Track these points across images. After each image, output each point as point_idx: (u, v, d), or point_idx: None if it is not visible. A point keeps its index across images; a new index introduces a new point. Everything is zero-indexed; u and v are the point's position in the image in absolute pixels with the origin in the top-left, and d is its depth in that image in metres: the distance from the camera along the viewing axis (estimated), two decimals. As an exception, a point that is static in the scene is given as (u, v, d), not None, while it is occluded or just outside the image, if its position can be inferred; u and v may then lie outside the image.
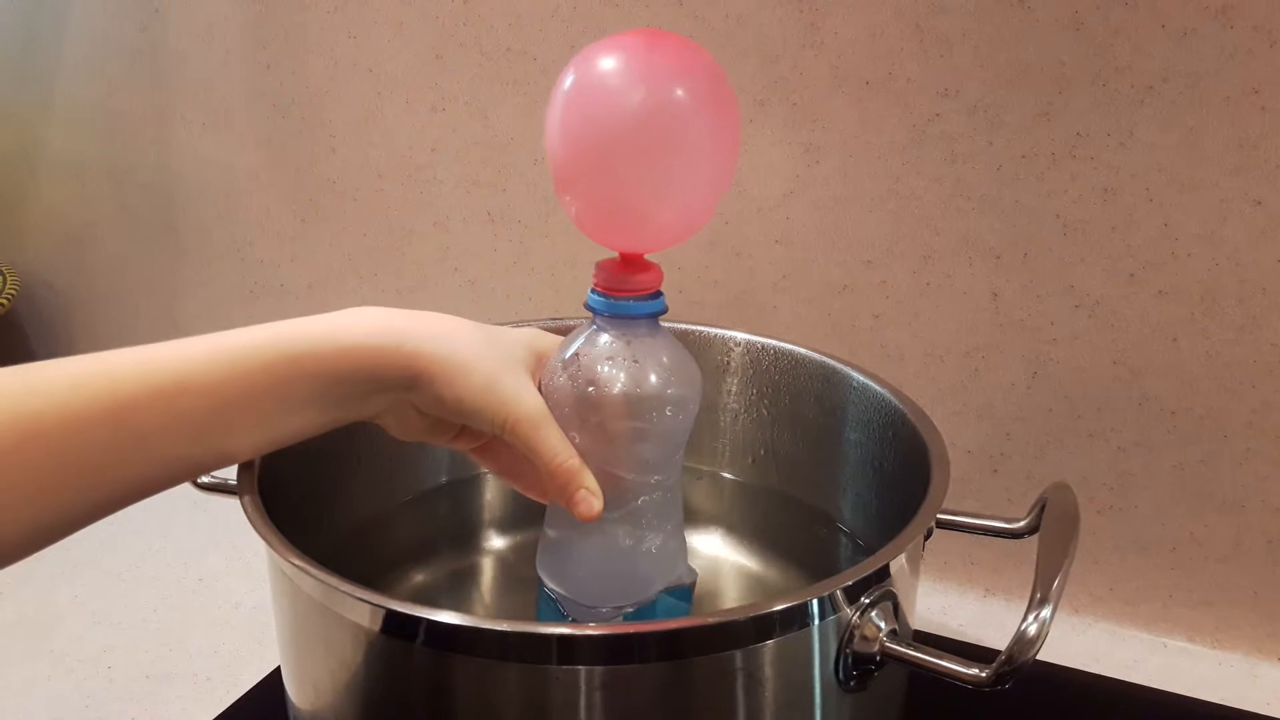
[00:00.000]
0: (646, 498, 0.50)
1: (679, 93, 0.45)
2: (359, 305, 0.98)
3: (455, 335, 0.50)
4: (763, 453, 0.72)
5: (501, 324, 0.73)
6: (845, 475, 0.67)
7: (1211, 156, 0.67)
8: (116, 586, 0.81)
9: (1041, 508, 0.56)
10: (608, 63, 0.45)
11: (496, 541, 0.68)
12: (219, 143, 1.01)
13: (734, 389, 0.73)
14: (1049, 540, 0.48)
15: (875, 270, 0.77)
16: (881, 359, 0.79)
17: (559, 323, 0.73)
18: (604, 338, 0.49)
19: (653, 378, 0.48)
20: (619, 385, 0.48)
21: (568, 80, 0.46)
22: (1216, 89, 0.66)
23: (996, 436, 0.78)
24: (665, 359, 0.49)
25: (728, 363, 0.73)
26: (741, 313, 0.83)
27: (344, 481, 0.64)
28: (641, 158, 0.45)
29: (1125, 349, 0.72)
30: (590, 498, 0.49)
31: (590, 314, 0.50)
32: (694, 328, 0.73)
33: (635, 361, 0.48)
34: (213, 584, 0.81)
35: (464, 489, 0.70)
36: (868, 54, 0.73)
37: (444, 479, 0.70)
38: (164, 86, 1.01)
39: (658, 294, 0.49)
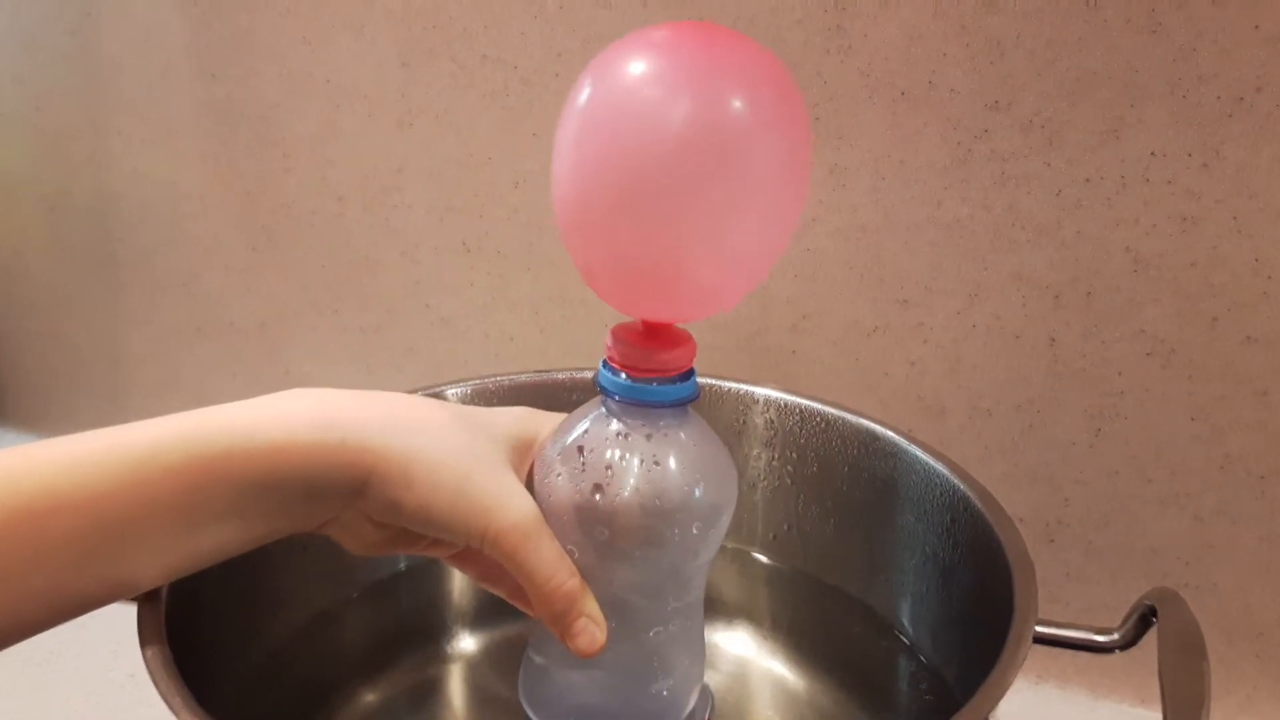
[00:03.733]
0: (661, 629, 0.39)
1: (736, 105, 0.34)
2: (318, 344, 0.89)
3: (415, 423, 0.39)
4: (786, 528, 0.62)
5: (482, 376, 0.63)
6: (890, 563, 0.56)
7: (1313, 180, 0.57)
8: (33, 680, 0.70)
9: (1140, 619, 0.46)
10: (637, 67, 0.34)
11: (467, 642, 0.57)
12: (161, 161, 0.90)
13: (750, 452, 0.62)
14: (1176, 683, 0.38)
15: (912, 310, 0.67)
16: (919, 412, 0.69)
17: (546, 376, 0.63)
18: (615, 426, 0.38)
19: (677, 484, 0.38)
20: (633, 493, 0.37)
21: (583, 93, 0.35)
22: (1321, 101, 0.56)
23: (1053, 502, 0.67)
24: (694, 459, 0.38)
25: (743, 423, 0.62)
26: (754, 358, 0.72)
27: (283, 572, 0.53)
28: (684, 195, 0.33)
29: (1206, 403, 0.62)
30: (591, 628, 0.38)
31: (600, 392, 0.39)
32: (700, 380, 0.62)
33: (656, 463, 0.38)
34: (145, 681, 0.70)
35: (426, 575, 0.59)
36: (904, 60, 0.63)
37: (402, 564, 0.59)
38: (98, 98, 0.90)
39: (689, 373, 0.38)
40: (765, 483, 0.62)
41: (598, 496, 0.38)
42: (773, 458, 0.62)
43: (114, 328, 0.98)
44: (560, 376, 0.63)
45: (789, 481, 0.61)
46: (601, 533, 0.38)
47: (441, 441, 0.38)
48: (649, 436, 0.38)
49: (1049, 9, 0.59)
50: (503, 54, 0.73)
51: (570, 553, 0.39)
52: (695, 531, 0.38)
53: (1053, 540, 0.68)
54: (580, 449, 0.38)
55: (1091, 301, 0.63)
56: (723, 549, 0.62)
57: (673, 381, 0.37)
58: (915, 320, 0.67)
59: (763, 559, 0.62)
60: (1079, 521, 0.67)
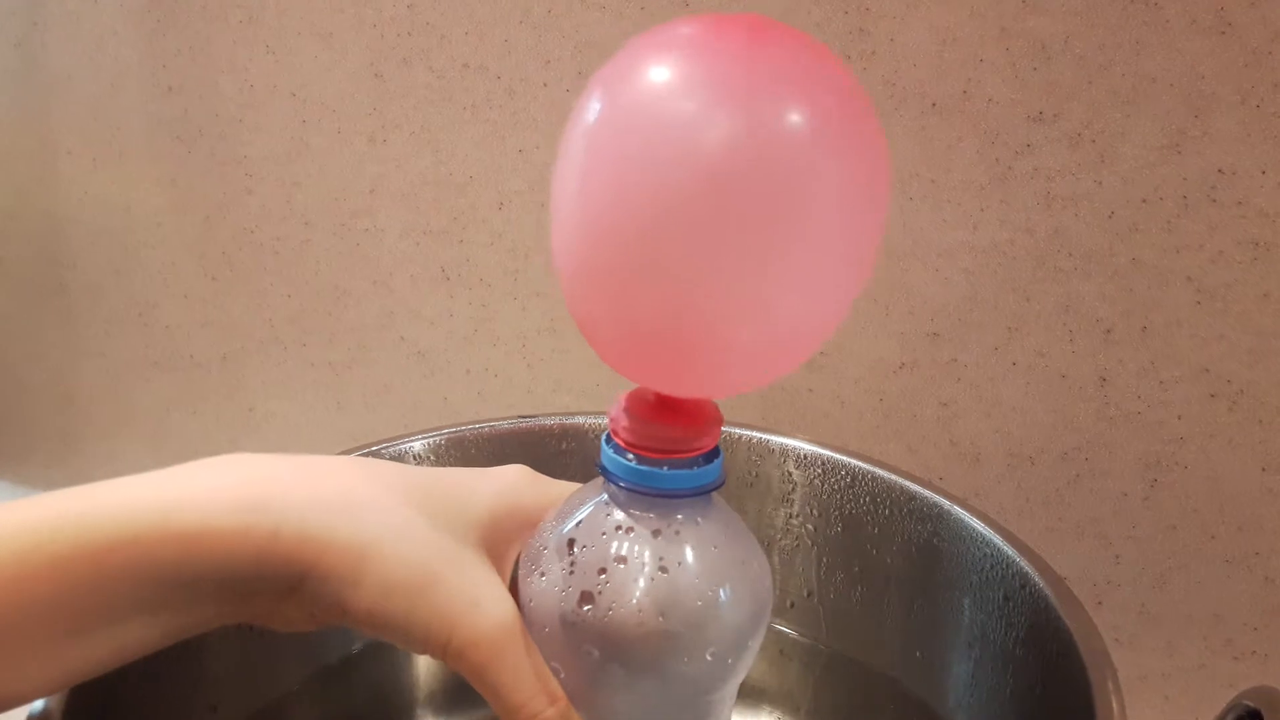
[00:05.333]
0: (667, 773, 0.32)
1: (793, 120, 0.26)
2: (284, 380, 0.81)
3: (369, 504, 0.32)
4: (806, 595, 0.54)
5: (457, 424, 0.55)
6: (931, 642, 0.49)
7: (1403, 199, 0.50)
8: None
9: (1241, 720, 0.38)
10: (661, 73, 0.26)
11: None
12: (113, 183, 0.83)
13: (764, 508, 0.55)
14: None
15: (943, 345, 0.60)
16: (951, 459, 0.61)
17: (531, 422, 0.56)
18: (617, 518, 0.31)
19: (690, 598, 0.30)
20: (631, 607, 0.30)
21: (592, 108, 0.28)
22: None
23: (1102, 560, 0.60)
24: (714, 565, 0.31)
25: (755, 475, 0.55)
26: (765, 397, 0.65)
27: (211, 659, 0.45)
28: (723, 239, 0.26)
29: (1279, 452, 0.55)
30: None
31: (602, 475, 0.32)
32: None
33: (663, 568, 0.30)
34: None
35: (384, 658, 0.51)
36: (935, 67, 0.56)
37: (357, 646, 0.51)
38: (45, 115, 0.83)
39: (714, 452, 0.31)
40: (783, 541, 0.55)
41: (586, 608, 0.30)
42: (790, 514, 0.54)
43: (64, 361, 0.91)
44: (549, 423, 0.55)
45: (809, 542, 0.54)
46: (591, 653, 0.30)
47: (401, 528, 0.31)
48: (657, 533, 0.30)
49: (1101, 8, 0.52)
50: (485, 62, 0.66)
51: (555, 671, 0.31)
52: (710, 658, 0.31)
53: (1101, 602, 0.61)
54: (571, 544, 0.31)
55: (1148, 337, 0.56)
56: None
57: (690, 465, 0.30)
58: (948, 356, 0.60)
59: (781, 629, 0.55)
60: (1131, 582, 0.60)
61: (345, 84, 0.71)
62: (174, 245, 0.82)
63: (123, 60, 0.79)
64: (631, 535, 0.30)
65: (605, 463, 0.30)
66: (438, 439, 0.53)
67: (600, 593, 0.30)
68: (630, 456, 0.30)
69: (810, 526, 0.54)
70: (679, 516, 0.30)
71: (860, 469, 0.51)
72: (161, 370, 0.86)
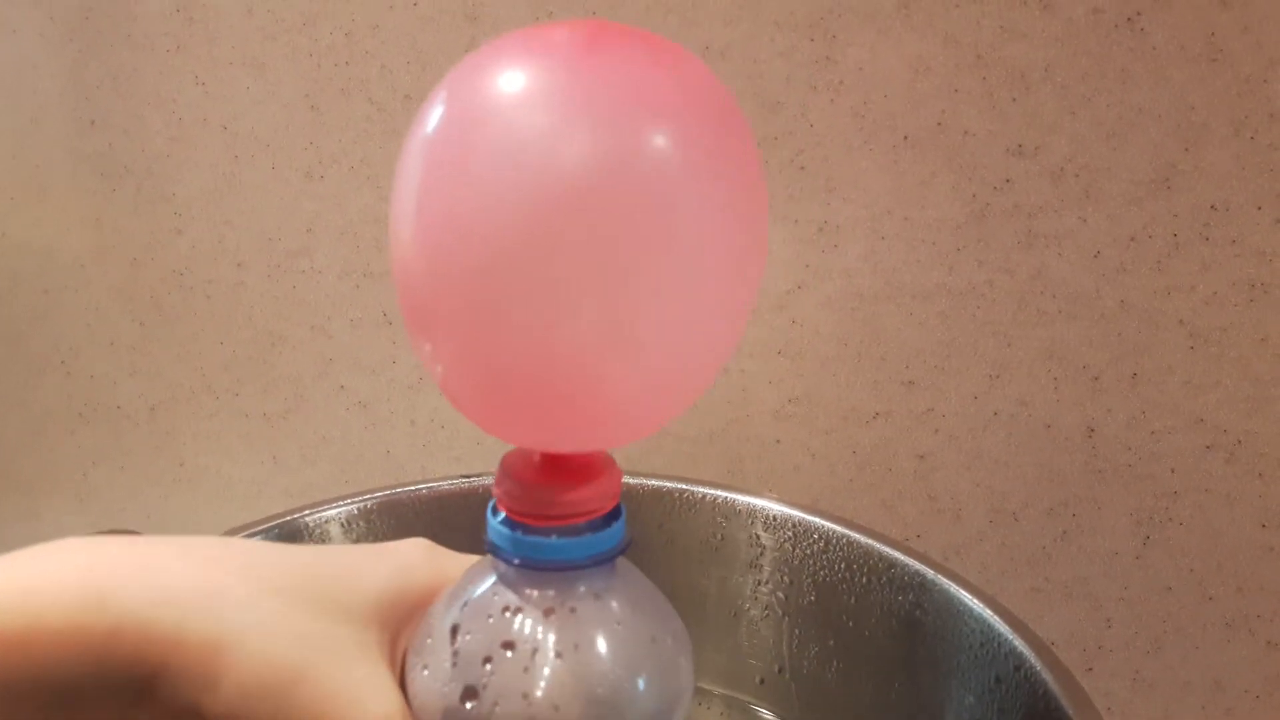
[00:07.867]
0: None
1: (657, 142, 0.23)
2: (216, 432, 0.76)
3: (225, 593, 0.27)
4: (777, 670, 0.50)
5: (391, 486, 0.50)
6: (914, 727, 0.44)
7: (1407, 237, 0.47)
8: None
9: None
10: (513, 80, 0.23)
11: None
12: (33, 223, 0.78)
13: (729, 574, 0.50)
14: None
15: (919, 393, 0.56)
16: (929, 515, 0.57)
17: (471, 482, 0.51)
18: (507, 599, 0.27)
19: (589, 686, 0.26)
20: (520, 702, 0.26)
21: (433, 116, 0.24)
22: None
23: (1092, 623, 0.56)
24: (619, 645, 0.27)
25: (720, 539, 0.50)
26: (730, 450, 0.61)
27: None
28: (581, 269, 0.22)
29: (1280, 506, 0.52)
30: None
31: (490, 552, 0.27)
32: (664, 484, 0.51)
33: (558, 654, 0.26)
34: None
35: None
36: (907, 97, 0.52)
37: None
38: (-39, 150, 0.78)
39: (614, 513, 0.27)
40: (751, 611, 0.50)
41: (470, 705, 0.26)
42: (759, 581, 0.50)
43: (-18, 414, 0.85)
44: (491, 482, 0.51)
45: (779, 611, 0.49)
46: None
47: (265, 620, 0.27)
48: (549, 613, 0.26)
49: (1084, 34, 0.49)
50: (428, 93, 0.62)
51: None
52: None
53: (1091, 669, 0.57)
54: (455, 630, 0.27)
55: (1138, 384, 0.52)
56: (702, 694, 0.51)
57: (582, 532, 0.26)
58: (924, 406, 0.56)
59: (750, 706, 0.50)
60: (1124, 646, 0.56)
61: (280, 116, 0.67)
62: (98, 289, 0.77)
63: (42, 93, 0.74)
64: (520, 617, 0.26)
65: (492, 537, 0.26)
66: (369, 503, 0.48)
67: (485, 686, 0.26)
68: (517, 526, 0.25)
69: (780, 595, 0.49)
70: (581, 589, 0.26)
71: (835, 532, 0.47)
72: (86, 422, 0.81)
